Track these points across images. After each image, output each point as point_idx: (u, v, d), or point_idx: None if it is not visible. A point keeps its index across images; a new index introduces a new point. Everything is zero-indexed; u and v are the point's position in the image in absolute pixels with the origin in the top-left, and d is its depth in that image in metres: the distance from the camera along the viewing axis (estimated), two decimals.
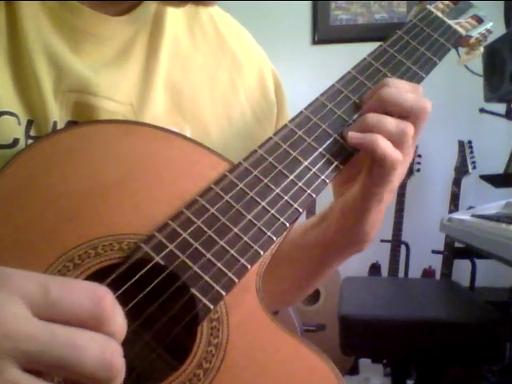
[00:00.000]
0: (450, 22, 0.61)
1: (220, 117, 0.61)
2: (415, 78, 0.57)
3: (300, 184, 0.48)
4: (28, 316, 0.29)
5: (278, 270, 0.57)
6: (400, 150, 0.49)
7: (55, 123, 0.50)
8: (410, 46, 0.59)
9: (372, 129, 0.49)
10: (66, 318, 0.30)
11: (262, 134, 0.64)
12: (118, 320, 0.31)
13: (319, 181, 0.49)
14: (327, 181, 0.49)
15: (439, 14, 0.61)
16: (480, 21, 0.63)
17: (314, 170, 0.49)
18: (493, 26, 0.66)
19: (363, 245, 0.57)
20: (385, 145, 0.48)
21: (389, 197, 0.54)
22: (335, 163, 0.50)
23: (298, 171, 0.49)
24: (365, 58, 0.57)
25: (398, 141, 0.49)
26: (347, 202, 0.55)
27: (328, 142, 0.51)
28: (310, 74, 2.45)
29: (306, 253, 0.61)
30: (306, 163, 0.49)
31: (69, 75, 0.51)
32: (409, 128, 0.50)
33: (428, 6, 0.62)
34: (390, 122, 0.50)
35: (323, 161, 0.50)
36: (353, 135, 0.50)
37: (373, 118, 0.50)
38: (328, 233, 0.58)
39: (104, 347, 0.30)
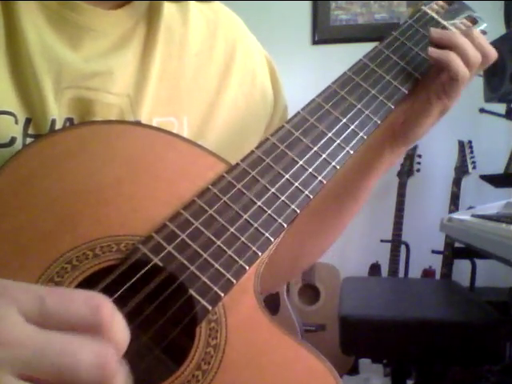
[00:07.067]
0: (445, 23, 0.61)
1: (214, 104, 0.61)
2: (410, 79, 0.57)
3: (296, 184, 0.48)
4: (23, 323, 0.28)
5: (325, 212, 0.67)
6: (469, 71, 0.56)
7: (53, 121, 0.50)
8: (405, 47, 0.59)
9: (451, 46, 0.56)
10: (63, 328, 0.29)
11: (255, 121, 0.64)
12: (119, 328, 0.30)
13: (316, 182, 0.49)
14: (324, 181, 0.49)
15: (434, 15, 0.61)
16: (474, 22, 0.63)
17: (310, 170, 0.49)
18: (493, 26, 0.66)
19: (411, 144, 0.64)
20: (459, 63, 0.55)
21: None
22: (332, 163, 0.50)
23: (294, 172, 0.49)
24: (360, 60, 0.57)
25: (469, 64, 0.56)
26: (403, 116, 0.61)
27: (324, 143, 0.51)
28: (310, 74, 2.44)
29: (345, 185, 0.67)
30: (302, 164, 0.49)
31: (69, 72, 0.51)
32: (479, 58, 0.57)
33: (423, 8, 0.62)
34: (471, 47, 0.56)
35: (319, 161, 0.50)
36: (433, 51, 0.56)
37: (459, 38, 0.56)
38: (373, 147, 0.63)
39: (98, 354, 0.29)
